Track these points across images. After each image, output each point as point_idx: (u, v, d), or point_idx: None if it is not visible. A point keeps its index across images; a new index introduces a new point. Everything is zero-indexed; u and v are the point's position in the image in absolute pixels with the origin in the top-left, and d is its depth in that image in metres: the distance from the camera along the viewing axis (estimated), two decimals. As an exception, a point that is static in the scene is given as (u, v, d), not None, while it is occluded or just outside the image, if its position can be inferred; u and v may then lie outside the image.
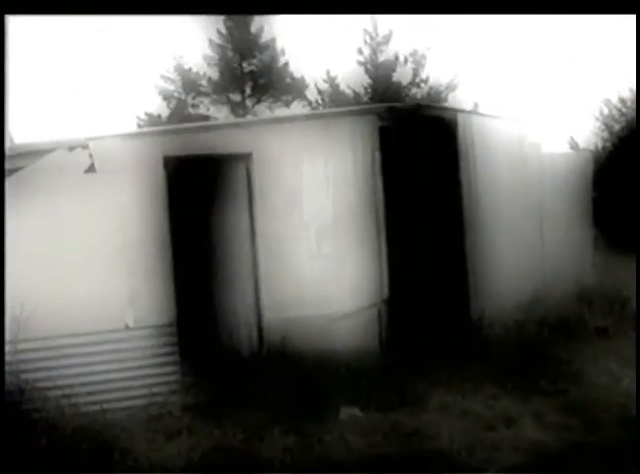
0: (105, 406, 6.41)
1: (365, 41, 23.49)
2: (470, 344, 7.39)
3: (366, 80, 23.32)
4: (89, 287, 6.62)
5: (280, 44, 23.59)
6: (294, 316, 7.36)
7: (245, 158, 7.32)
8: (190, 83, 23.56)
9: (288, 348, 7.24)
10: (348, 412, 6.18)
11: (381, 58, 23.42)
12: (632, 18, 4.78)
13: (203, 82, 23.70)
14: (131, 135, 6.86)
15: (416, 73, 23.22)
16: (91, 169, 6.68)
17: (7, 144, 6.80)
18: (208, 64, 23.73)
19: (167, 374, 6.90)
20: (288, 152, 7.42)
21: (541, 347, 7.21)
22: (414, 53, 23.19)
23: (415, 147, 8.21)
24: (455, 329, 7.64)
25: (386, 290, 7.92)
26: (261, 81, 23.78)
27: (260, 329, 7.42)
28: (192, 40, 27.36)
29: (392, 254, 7.94)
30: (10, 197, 6.30)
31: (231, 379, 6.95)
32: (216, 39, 23.40)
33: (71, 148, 6.64)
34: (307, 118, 7.60)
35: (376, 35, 23.24)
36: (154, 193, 6.85)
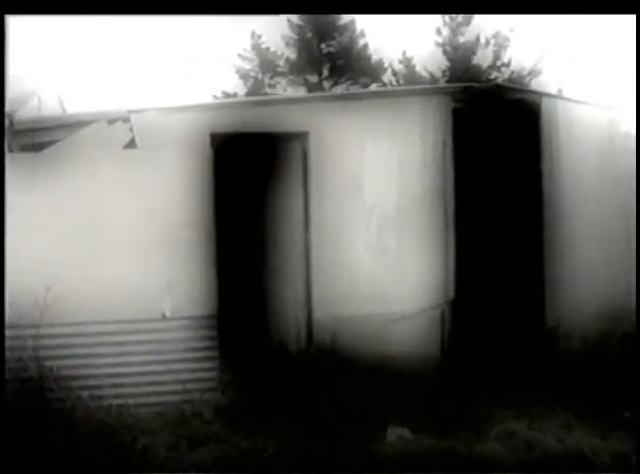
0: (131, 401, 5.91)
1: (445, 22, 22.44)
2: (543, 358, 6.51)
3: (444, 62, 22.30)
4: (124, 272, 6.13)
5: (359, 26, 23.09)
6: (348, 314, 6.67)
7: (301, 137, 6.64)
8: (267, 63, 23.31)
9: (339, 349, 6.58)
10: (397, 433, 5.44)
11: (461, 40, 22.33)
12: (632, 18, 4.75)
13: (281, 62, 23.43)
14: (176, 109, 6.27)
15: (497, 56, 22.06)
16: (131, 144, 6.14)
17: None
18: (287, 44, 23.50)
19: (203, 370, 6.35)
20: (350, 133, 6.70)
21: (626, 369, 6.19)
22: (496, 35, 22.03)
23: (491, 133, 7.31)
24: (527, 339, 6.78)
25: (452, 291, 7.11)
26: (339, 62, 23.27)
27: (309, 326, 6.77)
28: (270, 20, 27.67)
29: (460, 250, 7.11)
30: (42, 173, 5.85)
31: (273, 380, 6.33)
32: (295, 20, 23.06)
33: (111, 121, 6.11)
34: (372, 95, 6.85)
35: (456, 15, 22.12)
36: (199, 172, 6.28)
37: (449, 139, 7.00)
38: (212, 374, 6.36)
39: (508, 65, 21.98)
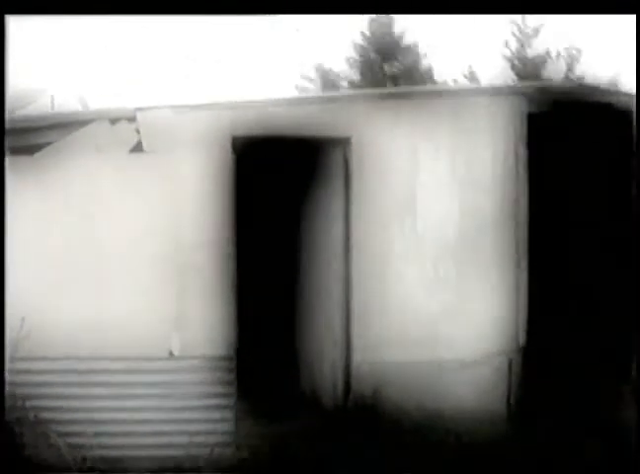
0: (125, 454, 4.94)
1: (513, 34, 21.19)
2: (630, 434, 5.16)
3: (512, 76, 20.94)
4: (124, 300, 5.19)
5: (422, 47, 22.56)
6: (394, 361, 5.52)
7: (341, 144, 5.52)
8: (329, 84, 22.65)
9: (382, 403, 5.45)
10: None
11: (530, 53, 21.05)
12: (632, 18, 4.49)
13: (344, 83, 22.76)
14: (192, 107, 5.25)
15: (570, 69, 20.59)
16: (137, 148, 5.15)
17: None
18: (350, 66, 23.02)
19: (216, 421, 5.31)
20: (401, 139, 5.55)
21: None
22: (568, 47, 20.63)
23: (574, 142, 6.03)
24: (612, 403, 5.48)
25: (522, 335, 5.83)
26: (402, 84, 22.35)
27: (347, 374, 5.62)
28: (334, 41, 27.72)
29: (535, 285, 5.84)
30: (30, 180, 4.93)
31: (300, 438, 5.25)
32: (359, 41, 22.71)
33: (114, 120, 5.14)
34: (428, 95, 5.68)
35: (525, 26, 20.87)
36: (217, 183, 5.25)
37: (523, 150, 5.75)
38: (226, 426, 5.31)
39: (581, 79, 20.50)
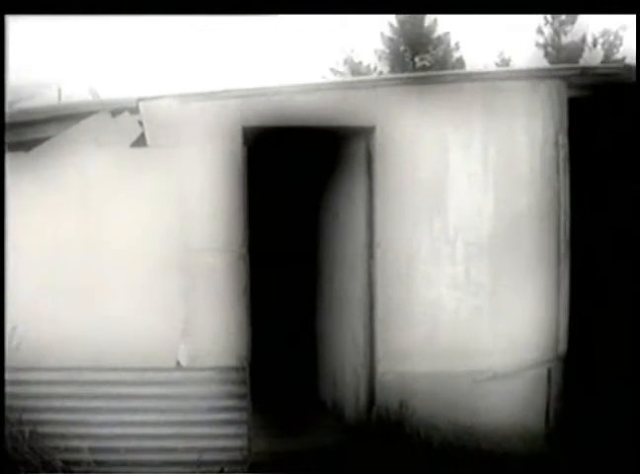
0: (129, 471, 4.58)
1: (547, 21, 20.42)
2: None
3: (546, 65, 20.20)
4: (127, 306, 4.76)
5: (453, 39, 22.21)
6: (421, 372, 5.03)
7: (364, 134, 5.04)
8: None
9: (409, 417, 4.96)
10: None
11: (565, 40, 20.27)
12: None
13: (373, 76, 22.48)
14: (199, 96, 4.79)
15: (608, 56, 19.76)
16: (140, 142, 4.73)
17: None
18: (379, 58, 22.90)
19: (228, 437, 4.85)
20: (428, 129, 5.03)
21: None
22: (605, 33, 19.79)
23: (622, 131, 5.43)
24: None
25: (563, 343, 5.29)
26: (433, 77, 21.86)
27: (370, 386, 5.14)
28: (363, 34, 27.28)
29: (577, 290, 5.29)
30: (27, 178, 4.54)
31: (320, 455, 4.80)
32: (388, 33, 22.49)
33: (115, 112, 4.73)
34: (459, 78, 5.15)
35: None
36: (228, 179, 4.81)
37: (564, 139, 5.20)
38: (239, 443, 4.84)
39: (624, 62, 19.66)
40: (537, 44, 20.53)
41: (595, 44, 19.92)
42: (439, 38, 22.23)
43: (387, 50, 22.62)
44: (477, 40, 30.16)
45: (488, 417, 5.05)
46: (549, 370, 5.30)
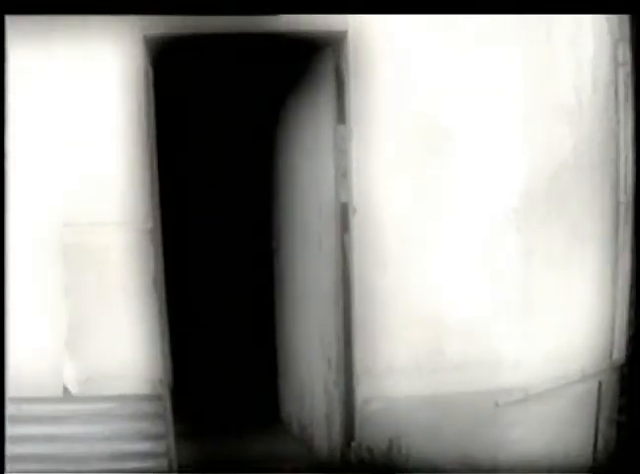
0: None
1: None
2: None
3: None
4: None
5: None
6: (419, 395, 3.49)
7: (333, 43, 3.38)
8: None
9: (401, 461, 3.45)
10: None
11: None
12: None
13: None
14: None
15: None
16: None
17: None
18: None
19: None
20: (426, 35, 3.39)
21: None
22: None
23: None
24: None
25: (621, 348, 3.74)
26: None
27: (348, 414, 3.57)
28: None
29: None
30: None
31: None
32: None
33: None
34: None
35: None
36: (126, 115, 3.16)
37: (626, 52, 3.57)
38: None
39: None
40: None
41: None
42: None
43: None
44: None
45: (517, 450, 3.56)
46: (600, 384, 3.76)
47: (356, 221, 3.45)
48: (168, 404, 3.36)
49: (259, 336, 3.89)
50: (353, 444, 3.55)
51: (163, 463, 3.37)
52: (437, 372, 3.51)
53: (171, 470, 3.37)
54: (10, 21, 3.09)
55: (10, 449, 3.26)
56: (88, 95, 3.21)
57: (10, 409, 3.26)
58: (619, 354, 3.75)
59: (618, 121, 3.57)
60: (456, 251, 3.47)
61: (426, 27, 3.41)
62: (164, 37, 3.09)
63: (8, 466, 3.26)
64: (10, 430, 3.28)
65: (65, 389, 3.34)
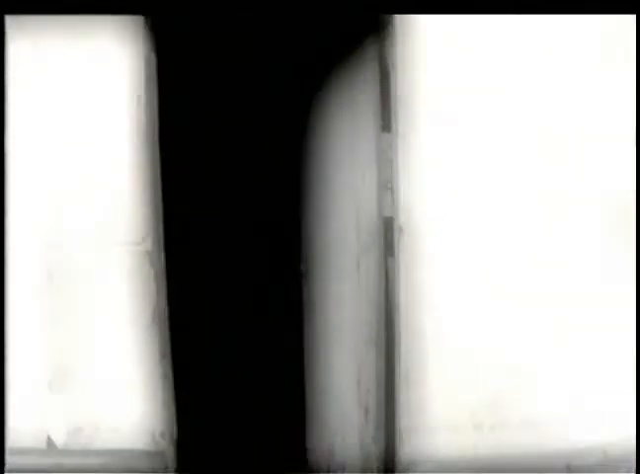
0: None
1: None
2: None
3: None
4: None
5: None
6: (478, 455, 2.90)
7: (374, 29, 2.84)
8: None
9: None
10: None
11: None
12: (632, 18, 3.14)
13: None
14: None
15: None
16: None
17: None
18: None
19: None
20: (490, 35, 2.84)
21: None
22: None
23: None
24: None
25: None
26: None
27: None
28: None
29: None
30: None
31: None
32: None
33: None
34: None
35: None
36: (126, 107, 2.69)
37: None
38: None
39: None
40: None
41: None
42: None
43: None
44: None
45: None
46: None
47: (401, 241, 2.89)
48: (171, 460, 2.82)
49: (282, 377, 3.34)
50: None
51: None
52: (497, 429, 2.91)
53: None
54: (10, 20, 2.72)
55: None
56: (89, 95, 2.74)
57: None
58: None
59: None
60: (511, 278, 2.88)
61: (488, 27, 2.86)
62: (170, 20, 2.58)
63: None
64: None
65: (49, 440, 2.83)
